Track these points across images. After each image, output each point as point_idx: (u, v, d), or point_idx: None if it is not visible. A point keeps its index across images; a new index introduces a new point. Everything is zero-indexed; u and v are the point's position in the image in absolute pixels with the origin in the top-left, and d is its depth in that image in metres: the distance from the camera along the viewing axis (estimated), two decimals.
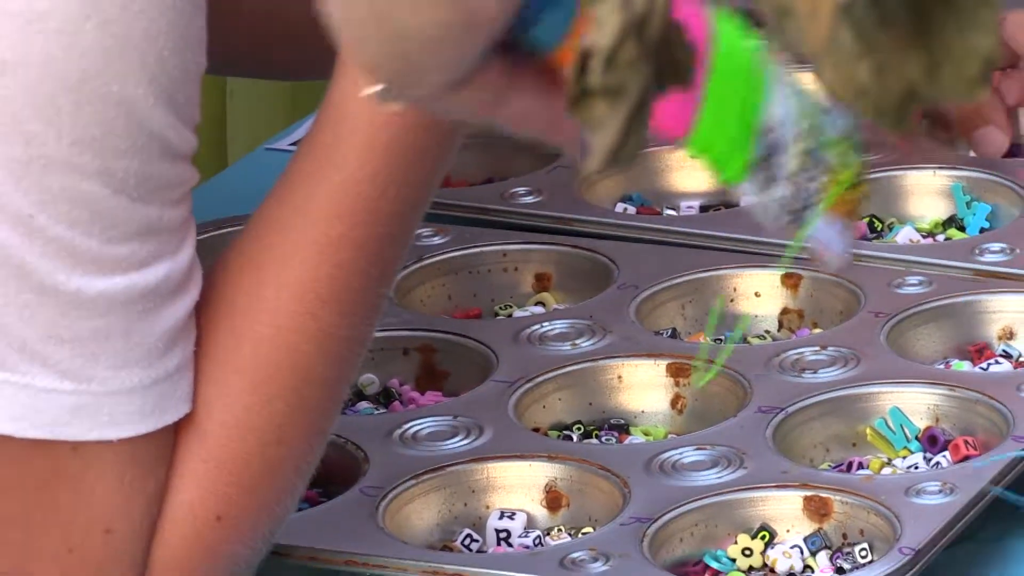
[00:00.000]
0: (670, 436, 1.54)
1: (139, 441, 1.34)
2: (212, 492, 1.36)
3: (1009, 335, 1.59)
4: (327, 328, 1.40)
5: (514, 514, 1.44)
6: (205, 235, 1.72)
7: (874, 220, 1.89)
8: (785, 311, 1.72)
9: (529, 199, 1.72)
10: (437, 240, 1.70)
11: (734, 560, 1.37)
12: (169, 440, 1.37)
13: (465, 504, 1.45)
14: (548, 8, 1.04)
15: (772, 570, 1.36)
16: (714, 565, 1.37)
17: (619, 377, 1.61)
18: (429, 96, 1.08)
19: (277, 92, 2.31)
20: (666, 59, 0.68)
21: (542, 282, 1.66)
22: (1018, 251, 1.65)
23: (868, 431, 1.43)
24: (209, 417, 1.37)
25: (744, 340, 1.38)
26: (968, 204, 1.52)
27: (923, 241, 1.97)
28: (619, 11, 0.66)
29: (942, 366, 1.60)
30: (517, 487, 1.47)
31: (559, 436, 1.52)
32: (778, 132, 1.12)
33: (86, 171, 1.31)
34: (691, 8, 1.10)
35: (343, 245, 1.41)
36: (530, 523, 1.45)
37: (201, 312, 1.38)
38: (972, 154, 1.83)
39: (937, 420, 1.47)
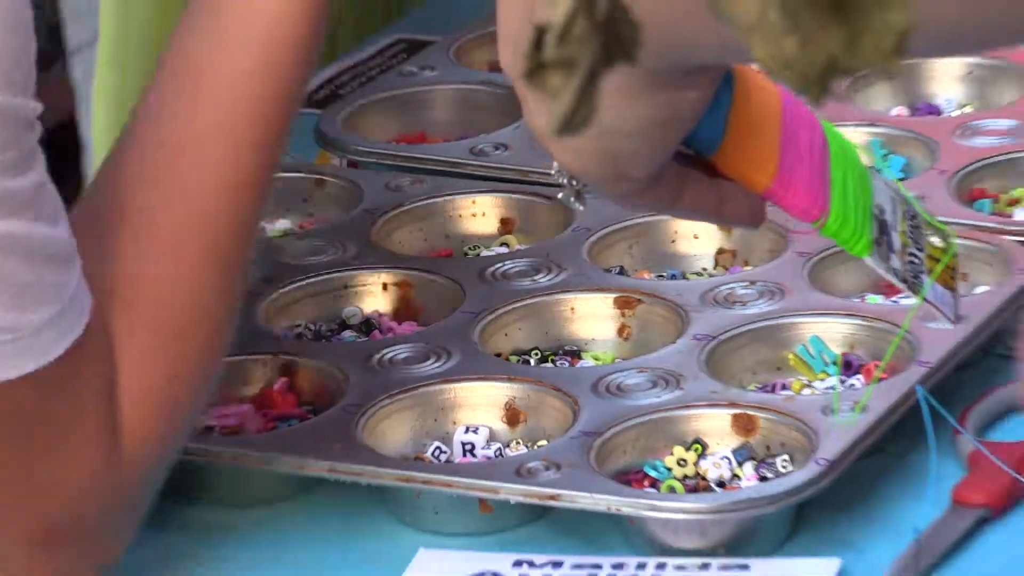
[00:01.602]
0: (616, 361, 1.55)
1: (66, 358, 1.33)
2: (159, 357, 1.36)
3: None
4: (238, 178, 1.43)
5: (477, 429, 1.46)
6: None
7: None
8: (720, 251, 1.72)
9: (496, 153, 1.72)
10: (415, 189, 1.69)
11: (670, 469, 1.39)
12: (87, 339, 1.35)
13: (435, 420, 1.48)
14: (708, 114, 1.10)
15: (703, 478, 1.38)
16: (652, 474, 1.39)
17: (572, 309, 1.61)
18: (624, 193, 1.16)
19: None
20: (613, 35, 0.62)
21: (506, 226, 1.70)
22: (927, 198, 1.66)
23: (791, 357, 1.48)
24: (138, 292, 1.38)
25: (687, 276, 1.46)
26: (884, 157, 1.55)
27: None
28: None
29: (858, 300, 1.61)
30: (481, 405, 1.49)
31: (518, 360, 1.54)
32: (885, 216, 1.19)
33: None
34: (807, 115, 1.16)
35: (255, 78, 1.44)
36: (492, 437, 1.46)
37: (111, 198, 1.41)
38: (894, 112, 1.87)
39: (852, 347, 1.51)
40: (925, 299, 1.28)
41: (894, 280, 1.26)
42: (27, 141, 1.29)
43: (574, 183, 1.20)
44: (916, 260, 1.23)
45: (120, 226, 1.36)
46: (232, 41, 1.44)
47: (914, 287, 1.23)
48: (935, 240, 1.25)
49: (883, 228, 1.19)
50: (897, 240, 1.20)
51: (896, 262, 1.20)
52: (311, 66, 1.49)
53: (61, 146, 2.85)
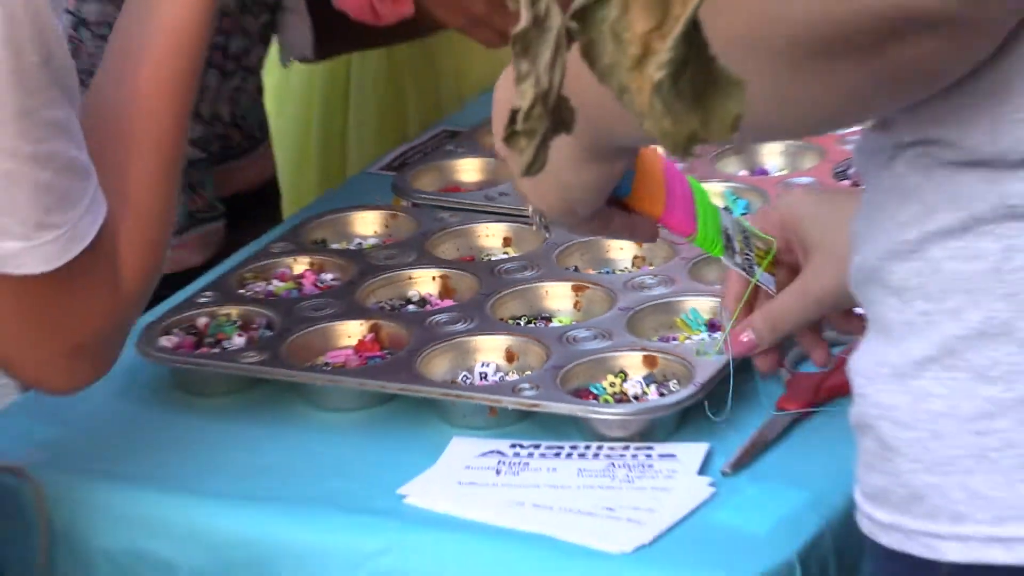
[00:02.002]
0: (572, 323, 1.54)
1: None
2: (139, 232, 1.37)
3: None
4: (172, 109, 1.43)
5: (488, 364, 1.47)
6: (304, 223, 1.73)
7: None
8: (635, 257, 1.69)
9: (500, 198, 1.73)
10: (451, 220, 1.70)
11: (606, 389, 1.41)
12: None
13: (463, 359, 1.49)
14: (624, 177, 1.19)
15: (625, 395, 1.41)
16: (595, 391, 1.41)
17: (546, 292, 1.60)
18: (572, 224, 1.24)
19: (382, 129, 2.12)
20: (557, 116, 0.62)
21: (506, 242, 1.67)
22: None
23: (678, 320, 1.52)
24: (124, 191, 1.39)
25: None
26: (734, 200, 1.63)
27: None
28: (533, 87, 0.60)
29: (718, 286, 1.56)
30: (491, 350, 1.50)
31: (513, 323, 1.55)
32: (729, 232, 1.29)
33: None
34: (680, 174, 1.25)
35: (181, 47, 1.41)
36: (497, 370, 1.46)
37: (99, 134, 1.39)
38: (740, 173, 1.90)
39: (715, 315, 1.51)
40: (757, 280, 1.34)
41: (737, 270, 1.34)
42: (70, 80, 1.29)
43: (542, 218, 1.26)
44: (749, 257, 1.32)
45: (103, 152, 1.33)
46: (157, 34, 1.41)
47: (750, 273, 1.31)
48: (760, 244, 1.33)
49: (728, 239, 1.29)
50: (737, 246, 1.30)
51: (738, 259, 1.30)
52: (203, 52, 1.46)
53: None
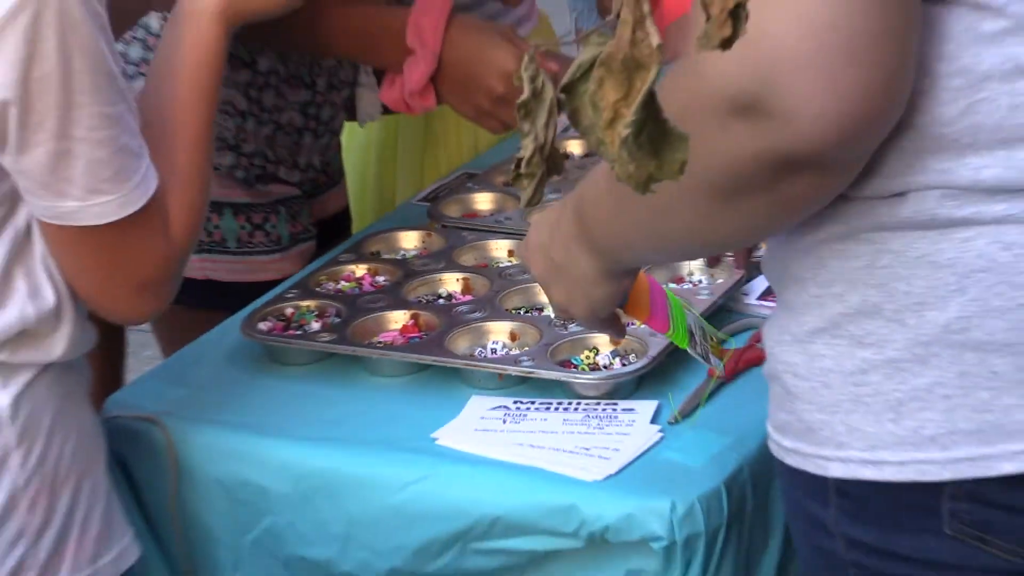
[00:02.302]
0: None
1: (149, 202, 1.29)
2: (182, 197, 1.33)
3: (698, 271, 1.62)
4: (200, 108, 1.36)
5: (498, 342, 1.46)
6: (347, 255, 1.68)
7: None
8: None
9: (507, 222, 1.71)
10: (470, 236, 1.69)
11: (583, 360, 1.40)
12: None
13: (479, 338, 1.48)
14: None
15: (597, 364, 1.40)
16: (575, 362, 1.40)
17: (540, 290, 1.44)
18: (592, 324, 1.22)
19: (421, 171, 2.08)
20: (552, 163, 0.61)
21: (511, 254, 1.64)
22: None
23: None
24: (172, 168, 1.34)
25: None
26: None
27: None
28: (532, 142, 0.59)
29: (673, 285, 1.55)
30: (500, 332, 1.49)
31: (515, 312, 1.52)
32: (693, 328, 1.28)
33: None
34: (660, 288, 1.24)
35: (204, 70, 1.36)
36: (504, 346, 1.46)
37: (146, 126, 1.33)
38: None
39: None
40: (711, 366, 1.36)
41: (698, 358, 1.33)
42: (116, 82, 1.23)
43: (565, 319, 1.37)
44: (705, 346, 1.31)
45: (154, 140, 1.29)
46: (185, 55, 1.36)
47: (706, 360, 1.32)
48: (714, 337, 1.34)
49: (691, 334, 1.28)
50: (697, 339, 1.29)
51: (698, 348, 1.29)
52: (220, 67, 1.41)
53: None
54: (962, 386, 0.93)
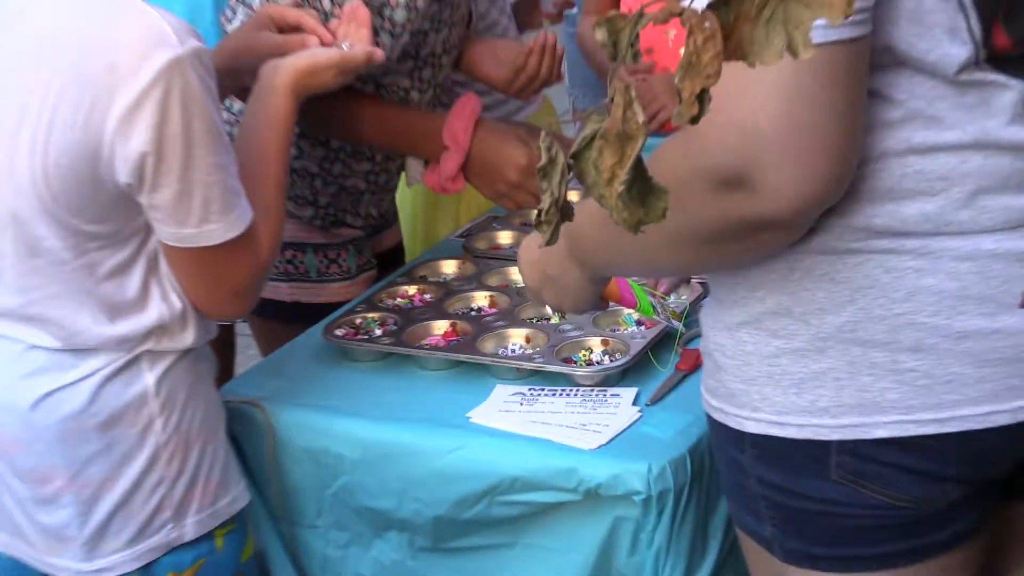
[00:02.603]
0: (562, 321, 1.45)
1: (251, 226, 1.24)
2: (267, 226, 1.25)
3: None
4: (279, 159, 1.29)
5: (516, 344, 1.43)
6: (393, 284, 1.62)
7: None
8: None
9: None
10: (494, 264, 1.64)
11: (581, 357, 1.37)
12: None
13: (502, 341, 1.43)
14: None
15: (591, 361, 1.37)
16: (575, 359, 1.36)
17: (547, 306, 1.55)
18: (577, 312, 1.22)
19: (456, 214, 2.03)
20: (564, 212, 0.58)
21: None
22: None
23: (620, 319, 1.46)
24: (258, 203, 1.26)
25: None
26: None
27: None
28: (549, 197, 0.56)
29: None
30: (517, 336, 1.44)
31: (529, 321, 1.47)
32: (654, 303, 1.25)
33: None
34: (625, 281, 1.19)
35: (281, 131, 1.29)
36: (521, 347, 1.42)
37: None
38: None
39: (640, 315, 1.44)
40: (670, 327, 1.34)
41: (662, 320, 1.31)
42: (223, 138, 1.17)
43: (560, 313, 1.33)
44: (665, 314, 1.29)
45: (247, 182, 1.22)
46: (267, 118, 1.30)
47: (668, 322, 1.30)
48: (673, 307, 1.32)
49: (653, 307, 1.26)
50: (659, 310, 1.26)
51: (661, 316, 1.27)
52: (292, 128, 1.35)
53: None
54: (849, 372, 0.93)
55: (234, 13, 1.44)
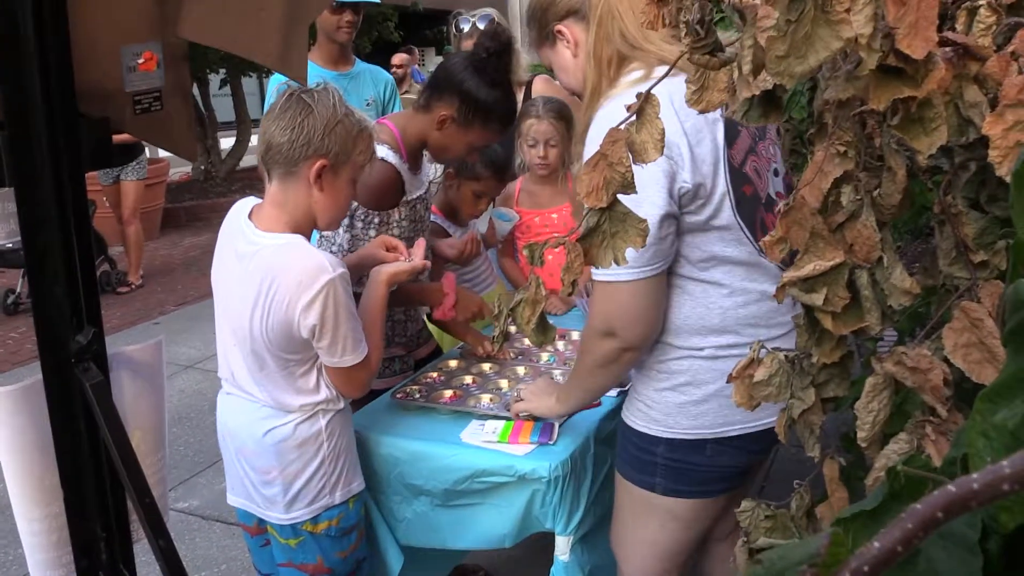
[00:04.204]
0: (508, 388, 1.78)
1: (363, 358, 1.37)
2: (374, 355, 1.42)
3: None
4: (380, 320, 1.48)
5: (484, 401, 1.69)
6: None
7: None
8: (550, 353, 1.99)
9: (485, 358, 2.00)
10: (474, 360, 1.96)
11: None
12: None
13: (478, 400, 1.70)
14: None
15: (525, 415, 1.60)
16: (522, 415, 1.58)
17: (501, 385, 1.87)
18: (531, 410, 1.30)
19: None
20: (505, 336, 0.67)
21: (490, 368, 1.95)
22: None
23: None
24: (370, 344, 1.42)
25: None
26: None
27: None
28: (500, 328, 0.66)
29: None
30: (484, 398, 1.72)
31: (491, 390, 1.76)
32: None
33: None
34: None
35: (379, 308, 1.48)
36: (490, 400, 1.67)
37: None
38: None
39: None
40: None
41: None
42: (355, 320, 1.34)
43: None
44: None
45: (366, 332, 1.36)
46: (373, 296, 1.49)
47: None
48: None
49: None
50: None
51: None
52: (386, 305, 1.51)
53: None
54: (717, 407, 1.21)
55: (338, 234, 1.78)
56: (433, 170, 2.10)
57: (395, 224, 1.84)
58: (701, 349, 1.28)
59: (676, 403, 1.30)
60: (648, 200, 1.09)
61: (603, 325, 1.22)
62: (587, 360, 1.27)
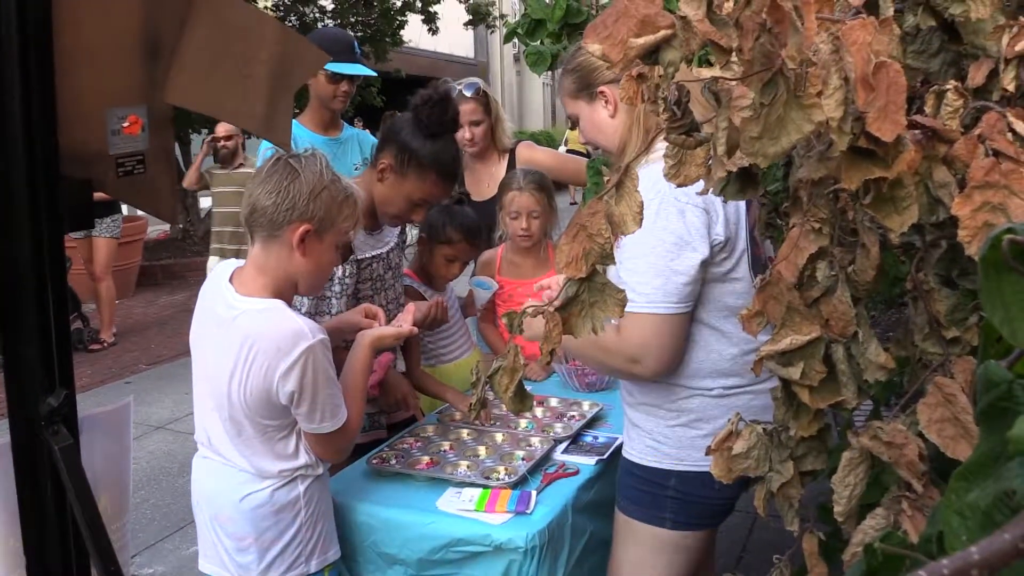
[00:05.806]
0: (485, 457, 1.76)
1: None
2: (354, 418, 1.41)
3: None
4: (362, 385, 1.47)
5: (460, 469, 1.68)
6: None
7: None
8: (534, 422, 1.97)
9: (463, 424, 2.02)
10: (452, 426, 1.97)
11: (494, 477, 1.63)
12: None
13: (455, 468, 1.70)
14: None
15: (499, 477, 1.63)
16: (489, 477, 1.63)
17: (480, 455, 1.86)
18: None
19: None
20: (484, 403, 0.66)
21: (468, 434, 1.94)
22: None
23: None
24: (350, 410, 1.42)
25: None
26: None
27: None
28: (479, 396, 0.65)
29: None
30: (461, 465, 1.72)
31: (468, 456, 1.77)
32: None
33: None
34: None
35: (362, 368, 1.48)
36: (463, 471, 1.66)
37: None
38: None
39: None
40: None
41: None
42: (334, 386, 1.35)
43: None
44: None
45: (346, 398, 1.35)
46: (356, 360, 1.48)
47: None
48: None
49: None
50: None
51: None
52: (371, 364, 1.51)
53: None
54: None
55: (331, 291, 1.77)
56: (410, 235, 2.22)
57: (337, 281, 1.83)
58: (711, 389, 1.37)
59: (688, 437, 1.37)
60: (692, 245, 1.22)
61: (636, 351, 1.29)
62: (600, 357, 1.32)
